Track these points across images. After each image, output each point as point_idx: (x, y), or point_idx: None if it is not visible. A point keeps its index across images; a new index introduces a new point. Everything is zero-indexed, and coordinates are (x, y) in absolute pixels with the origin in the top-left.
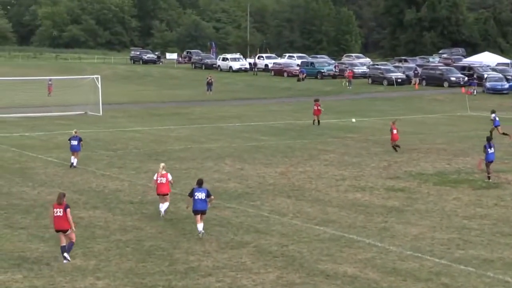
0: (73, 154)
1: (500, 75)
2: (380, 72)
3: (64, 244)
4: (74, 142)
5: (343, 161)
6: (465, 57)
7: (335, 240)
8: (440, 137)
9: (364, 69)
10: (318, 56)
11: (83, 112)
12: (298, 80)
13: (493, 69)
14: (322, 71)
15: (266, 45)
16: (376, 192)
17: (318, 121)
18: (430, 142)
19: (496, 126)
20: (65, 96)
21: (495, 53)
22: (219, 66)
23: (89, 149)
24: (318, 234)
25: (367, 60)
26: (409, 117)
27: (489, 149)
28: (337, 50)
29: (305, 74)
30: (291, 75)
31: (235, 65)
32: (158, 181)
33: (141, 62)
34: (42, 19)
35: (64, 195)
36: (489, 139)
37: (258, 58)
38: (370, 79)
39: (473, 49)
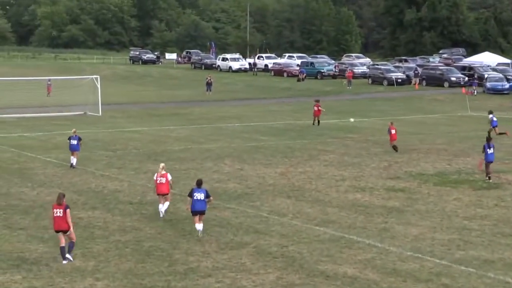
0: (72, 154)
1: (501, 75)
2: (380, 72)
3: (64, 245)
4: (74, 142)
5: (343, 162)
6: (465, 57)
7: (335, 240)
8: (441, 137)
9: (364, 69)
10: (318, 56)
11: (82, 113)
12: (298, 80)
13: (494, 69)
14: (322, 71)
15: (266, 45)
16: (376, 193)
17: (318, 122)
18: (430, 142)
19: (494, 127)
20: (64, 96)
21: (496, 53)
22: (218, 66)
23: (88, 149)
24: (318, 235)
25: (367, 60)
26: (409, 117)
27: (488, 150)
28: (337, 50)
29: (305, 74)
30: (291, 75)
31: (235, 65)
32: (158, 181)
33: (140, 62)
34: (41, 19)
35: (63, 195)
36: (488, 139)
37: (258, 58)
38: (370, 79)
39: (474, 49)
